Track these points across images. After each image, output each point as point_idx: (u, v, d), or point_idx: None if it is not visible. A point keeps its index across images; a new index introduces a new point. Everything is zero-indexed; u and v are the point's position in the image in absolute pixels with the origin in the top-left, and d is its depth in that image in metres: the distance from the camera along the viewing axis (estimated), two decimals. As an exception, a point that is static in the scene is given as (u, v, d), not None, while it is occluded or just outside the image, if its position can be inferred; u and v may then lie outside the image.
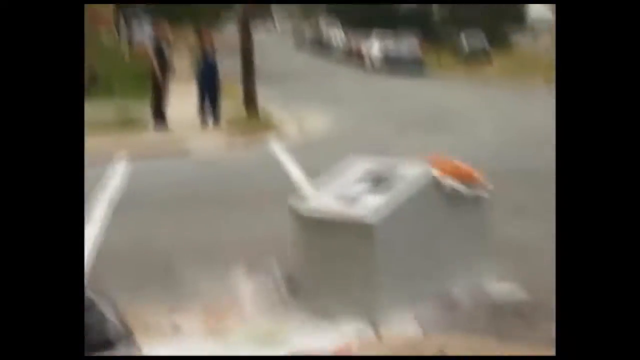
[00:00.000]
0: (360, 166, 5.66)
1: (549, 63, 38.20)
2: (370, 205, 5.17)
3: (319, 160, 13.56)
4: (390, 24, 55.57)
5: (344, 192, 5.39)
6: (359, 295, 5.16)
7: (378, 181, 5.40)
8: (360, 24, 57.94)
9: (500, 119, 20.29)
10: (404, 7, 61.28)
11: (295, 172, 12.11)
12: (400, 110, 23.12)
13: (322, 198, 5.47)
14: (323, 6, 71.20)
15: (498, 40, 52.09)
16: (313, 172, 11.76)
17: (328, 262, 5.28)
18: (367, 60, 47.40)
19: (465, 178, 5.41)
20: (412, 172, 5.42)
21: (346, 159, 5.90)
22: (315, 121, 19.66)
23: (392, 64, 44.05)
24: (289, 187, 10.56)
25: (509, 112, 22.31)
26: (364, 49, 49.40)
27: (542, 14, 55.94)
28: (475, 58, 47.94)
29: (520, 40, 55.18)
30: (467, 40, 51.11)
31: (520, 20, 58.07)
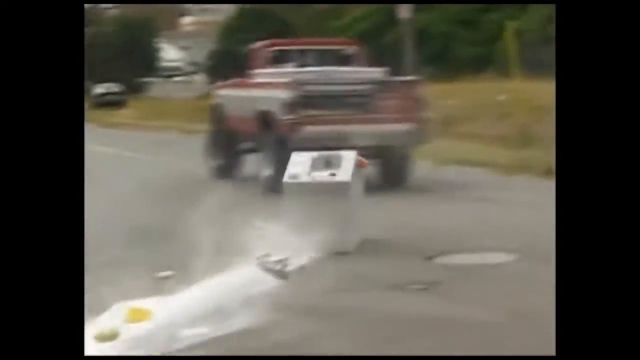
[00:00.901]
0: (309, 156, 8.67)
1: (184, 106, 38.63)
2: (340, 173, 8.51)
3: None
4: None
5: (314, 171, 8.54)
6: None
7: (329, 163, 8.63)
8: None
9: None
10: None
11: None
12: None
13: (306, 175, 8.48)
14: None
15: (133, 88, 52.78)
16: None
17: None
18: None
19: (363, 163, 9.20)
20: (348, 156, 8.74)
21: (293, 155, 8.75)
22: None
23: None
24: None
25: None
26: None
27: (174, 59, 57.79)
28: (109, 105, 47.98)
29: (155, 86, 56.32)
30: (102, 89, 51.06)
31: (152, 68, 59.14)
